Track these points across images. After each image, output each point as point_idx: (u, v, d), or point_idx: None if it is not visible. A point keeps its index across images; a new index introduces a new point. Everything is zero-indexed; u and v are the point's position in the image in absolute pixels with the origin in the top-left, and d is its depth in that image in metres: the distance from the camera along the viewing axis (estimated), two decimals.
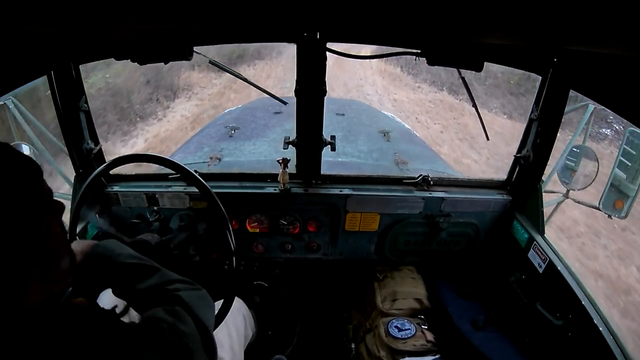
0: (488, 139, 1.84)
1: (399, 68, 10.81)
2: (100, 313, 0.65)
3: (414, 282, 1.76)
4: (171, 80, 8.22)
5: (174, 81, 8.28)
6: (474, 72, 1.30)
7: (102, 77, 6.66)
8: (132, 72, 7.08)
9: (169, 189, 1.57)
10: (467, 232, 1.67)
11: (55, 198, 0.61)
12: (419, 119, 7.41)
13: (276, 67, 10.39)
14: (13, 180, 0.51)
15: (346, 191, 1.57)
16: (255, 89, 1.74)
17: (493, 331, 1.51)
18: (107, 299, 1.30)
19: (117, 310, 0.83)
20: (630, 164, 1.53)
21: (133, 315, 1.34)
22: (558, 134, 1.44)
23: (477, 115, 1.72)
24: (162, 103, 7.55)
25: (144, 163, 1.23)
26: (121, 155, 1.22)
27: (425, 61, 1.31)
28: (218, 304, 1.32)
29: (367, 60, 10.96)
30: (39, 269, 0.55)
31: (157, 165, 1.29)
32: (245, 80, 1.82)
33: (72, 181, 1.56)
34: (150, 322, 0.68)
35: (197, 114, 7.10)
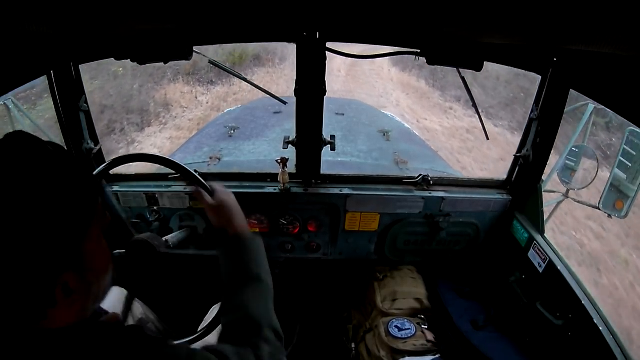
0: (488, 138, 1.84)
1: (423, 81, 9.41)
2: (137, 334, 0.59)
3: (414, 282, 1.76)
4: (145, 99, 6.56)
5: (147, 102, 6.60)
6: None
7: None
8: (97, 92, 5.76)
9: (169, 189, 1.57)
10: (467, 232, 1.67)
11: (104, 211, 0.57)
12: (461, 160, 5.65)
13: (278, 78, 9.35)
14: (68, 189, 0.48)
15: (346, 191, 1.57)
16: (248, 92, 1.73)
17: (493, 331, 1.51)
18: (109, 298, 1.30)
19: (119, 312, 0.81)
20: (630, 164, 1.53)
21: (136, 315, 1.34)
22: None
23: (477, 116, 1.73)
24: (127, 135, 5.77)
25: (144, 163, 1.23)
26: (121, 155, 1.22)
27: (428, 63, 1.31)
28: (218, 305, 1.32)
29: (386, 70, 10.11)
30: (80, 286, 0.50)
31: (157, 165, 1.29)
32: (245, 80, 1.82)
33: None
34: (207, 355, 0.62)
35: (170, 150, 5.10)
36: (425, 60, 1.31)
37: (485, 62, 1.30)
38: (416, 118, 7.32)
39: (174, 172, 1.24)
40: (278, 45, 9.44)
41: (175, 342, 1.14)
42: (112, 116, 5.80)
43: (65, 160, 0.49)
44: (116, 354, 0.53)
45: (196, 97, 7.50)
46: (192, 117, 6.72)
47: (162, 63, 1.33)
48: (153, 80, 7.17)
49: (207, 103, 7.28)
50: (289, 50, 9.35)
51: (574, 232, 4.17)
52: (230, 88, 8.00)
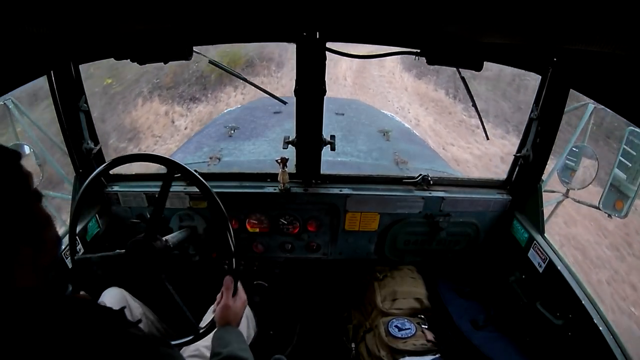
0: (488, 138, 1.84)
1: (442, 91, 7.98)
2: (104, 310, 0.64)
3: (414, 281, 1.76)
4: (108, 128, 5.38)
5: (109, 132, 5.35)
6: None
7: None
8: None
9: (169, 189, 1.56)
10: (467, 231, 1.67)
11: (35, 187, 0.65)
12: None
13: (274, 89, 7.95)
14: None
15: (346, 191, 1.57)
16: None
17: (493, 331, 1.51)
18: (109, 298, 1.30)
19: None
20: (630, 164, 1.53)
21: (135, 315, 1.34)
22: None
23: (477, 115, 1.72)
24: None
25: (144, 163, 1.23)
26: (121, 155, 1.23)
27: (428, 63, 1.31)
28: None
29: (397, 77, 9.38)
30: (29, 248, 0.59)
31: (157, 165, 1.29)
32: (245, 80, 1.82)
33: (72, 181, 1.56)
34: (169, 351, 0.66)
35: None
36: (425, 60, 1.31)
37: (485, 62, 1.30)
38: (442, 145, 6.11)
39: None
40: (275, 49, 8.99)
41: (176, 342, 1.14)
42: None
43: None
44: (80, 324, 0.57)
45: (172, 122, 6.36)
46: (164, 151, 5.31)
47: (162, 63, 1.33)
48: (124, 101, 6.15)
49: (186, 129, 6.11)
50: (288, 54, 8.84)
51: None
52: (215, 106, 6.99)
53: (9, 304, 0.55)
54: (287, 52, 9.26)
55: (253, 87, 1.72)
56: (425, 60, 1.31)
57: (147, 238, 1.15)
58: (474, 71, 1.32)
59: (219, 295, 1.13)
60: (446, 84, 7.92)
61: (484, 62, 1.30)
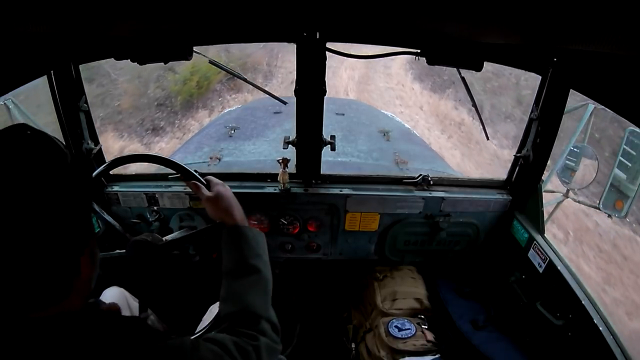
0: (488, 138, 1.84)
1: (464, 110, 6.59)
2: (133, 320, 0.65)
3: (414, 282, 1.76)
4: None
5: None
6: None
7: None
8: None
9: (169, 189, 1.57)
10: (467, 232, 1.67)
11: None
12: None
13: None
14: (77, 178, 0.56)
15: (346, 191, 1.57)
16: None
17: (493, 331, 1.51)
18: (109, 298, 1.31)
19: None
20: (630, 164, 1.53)
21: (135, 315, 1.34)
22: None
23: (477, 116, 1.73)
24: None
25: (144, 163, 1.23)
26: (121, 155, 1.23)
27: (428, 63, 1.30)
28: (216, 304, 1.32)
29: (408, 88, 8.47)
30: (91, 270, 0.58)
31: (157, 165, 1.29)
32: (244, 80, 1.82)
33: None
34: (209, 346, 0.65)
35: None
36: (426, 61, 1.31)
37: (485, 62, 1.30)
38: None
39: (174, 172, 1.24)
40: (262, 58, 8.04)
41: None
42: None
43: (68, 157, 0.56)
44: (120, 339, 0.56)
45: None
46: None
47: (162, 63, 1.33)
48: None
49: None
50: (278, 61, 8.21)
51: None
52: (182, 138, 5.60)
53: (61, 328, 0.53)
54: (277, 60, 8.33)
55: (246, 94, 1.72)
56: (432, 64, 1.30)
57: (148, 238, 1.15)
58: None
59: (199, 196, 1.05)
60: (465, 97, 6.05)
61: (484, 62, 1.30)
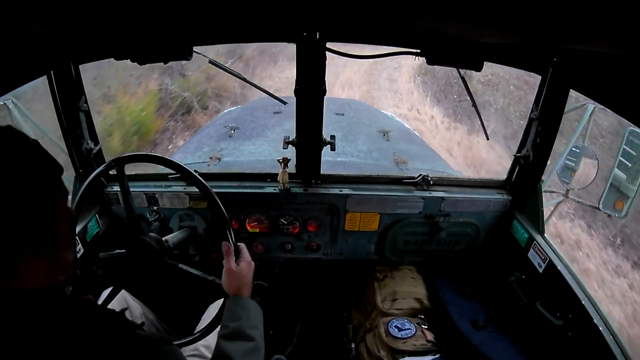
0: (488, 138, 1.84)
1: (496, 143, 5.31)
2: (107, 311, 0.66)
3: (414, 282, 1.76)
4: None
5: None
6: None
7: None
8: None
9: (169, 189, 1.57)
10: (467, 231, 1.67)
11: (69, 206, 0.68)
12: None
13: None
14: (33, 169, 0.60)
15: (346, 191, 1.57)
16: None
17: (493, 331, 1.50)
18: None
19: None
20: (630, 164, 1.53)
21: (135, 315, 1.34)
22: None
23: (477, 115, 1.73)
24: None
25: (144, 163, 1.23)
26: (121, 155, 1.23)
27: (428, 63, 1.30)
28: (218, 304, 1.32)
29: (432, 126, 6.97)
30: (45, 249, 0.60)
31: (157, 165, 1.29)
32: (244, 80, 1.82)
33: (72, 181, 1.56)
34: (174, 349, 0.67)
35: None
36: (426, 60, 1.31)
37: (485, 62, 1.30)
38: None
39: (174, 172, 1.24)
40: (230, 80, 6.87)
41: (175, 342, 1.14)
42: None
43: (34, 151, 0.61)
44: (85, 323, 0.59)
45: None
46: None
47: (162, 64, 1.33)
48: None
49: None
50: (252, 84, 6.98)
51: None
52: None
53: (13, 303, 0.56)
54: (251, 85, 6.74)
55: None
56: (432, 64, 1.30)
57: (148, 238, 1.15)
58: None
59: (224, 262, 1.09)
60: (506, 133, 4.74)
61: (484, 62, 1.30)
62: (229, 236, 1.15)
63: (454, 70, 1.62)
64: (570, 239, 4.45)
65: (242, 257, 1.10)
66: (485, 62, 1.31)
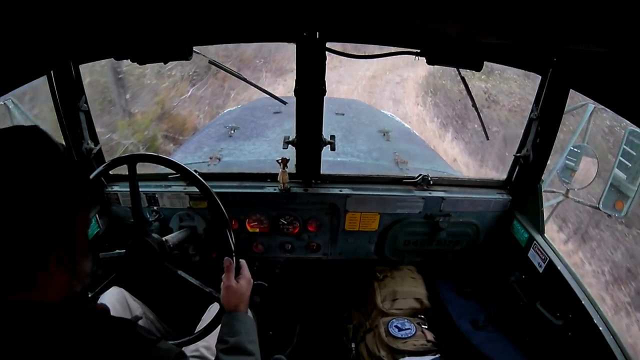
0: (488, 138, 1.84)
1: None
2: (122, 322, 0.65)
3: (414, 281, 1.76)
4: None
5: None
6: None
7: None
8: None
9: (169, 189, 1.57)
10: (467, 231, 1.67)
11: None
12: None
13: None
14: (68, 177, 0.58)
15: (346, 191, 1.57)
16: None
17: (493, 331, 1.51)
18: (108, 299, 1.30)
19: (118, 312, 0.83)
20: (630, 164, 1.53)
21: (135, 315, 1.34)
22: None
23: (477, 115, 1.73)
24: None
25: (144, 163, 1.23)
26: (121, 155, 1.23)
27: (428, 63, 1.30)
28: (216, 303, 1.32)
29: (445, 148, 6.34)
30: (68, 261, 0.59)
31: (157, 165, 1.29)
32: (244, 80, 1.82)
33: None
34: None
35: None
36: (425, 60, 1.31)
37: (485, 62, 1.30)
38: None
39: (174, 172, 1.24)
40: (191, 115, 5.66)
41: (175, 342, 1.14)
42: None
43: (65, 158, 0.58)
44: (103, 337, 0.58)
45: None
46: None
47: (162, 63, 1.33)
48: None
49: None
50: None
51: None
52: None
53: (29, 316, 0.54)
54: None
55: None
56: (432, 64, 1.30)
57: (147, 238, 1.15)
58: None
59: (223, 277, 1.09)
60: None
61: (484, 62, 1.30)
62: (229, 237, 1.15)
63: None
64: None
65: (242, 275, 1.11)
66: (485, 62, 1.31)
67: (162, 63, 1.34)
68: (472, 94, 1.65)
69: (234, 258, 1.13)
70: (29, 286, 0.55)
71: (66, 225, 0.58)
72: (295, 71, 1.37)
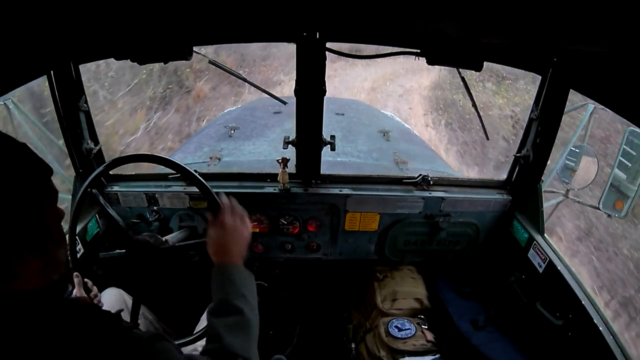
0: (488, 138, 1.84)
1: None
2: (102, 312, 0.67)
3: (414, 282, 1.76)
4: None
5: None
6: None
7: None
8: None
9: (169, 189, 1.57)
10: (467, 232, 1.67)
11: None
12: None
13: None
14: (25, 173, 0.60)
15: (346, 191, 1.57)
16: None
17: (493, 331, 1.51)
18: (108, 299, 1.30)
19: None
20: (630, 164, 1.53)
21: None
22: None
23: (477, 115, 1.73)
24: None
25: (144, 163, 1.23)
26: (121, 155, 1.23)
27: (428, 63, 1.30)
28: None
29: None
30: (40, 249, 0.61)
31: (157, 165, 1.29)
32: (244, 80, 1.82)
33: (72, 181, 1.56)
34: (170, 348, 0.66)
35: None
36: (426, 60, 1.31)
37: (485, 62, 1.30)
38: None
39: (174, 172, 1.24)
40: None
41: (175, 342, 1.14)
42: None
43: (26, 156, 0.62)
44: (75, 322, 0.60)
45: None
46: None
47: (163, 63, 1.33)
48: None
49: None
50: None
51: None
52: None
53: (10, 304, 0.57)
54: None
55: None
56: (432, 64, 1.30)
57: (148, 238, 1.15)
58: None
59: (208, 214, 0.96)
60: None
61: (484, 62, 1.30)
62: (209, 191, 1.15)
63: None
64: None
65: (222, 209, 0.98)
66: (485, 62, 1.31)
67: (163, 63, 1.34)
68: (473, 95, 1.65)
69: (210, 195, 1.05)
70: (8, 276, 0.58)
71: (34, 216, 0.61)
72: (294, 73, 1.37)
